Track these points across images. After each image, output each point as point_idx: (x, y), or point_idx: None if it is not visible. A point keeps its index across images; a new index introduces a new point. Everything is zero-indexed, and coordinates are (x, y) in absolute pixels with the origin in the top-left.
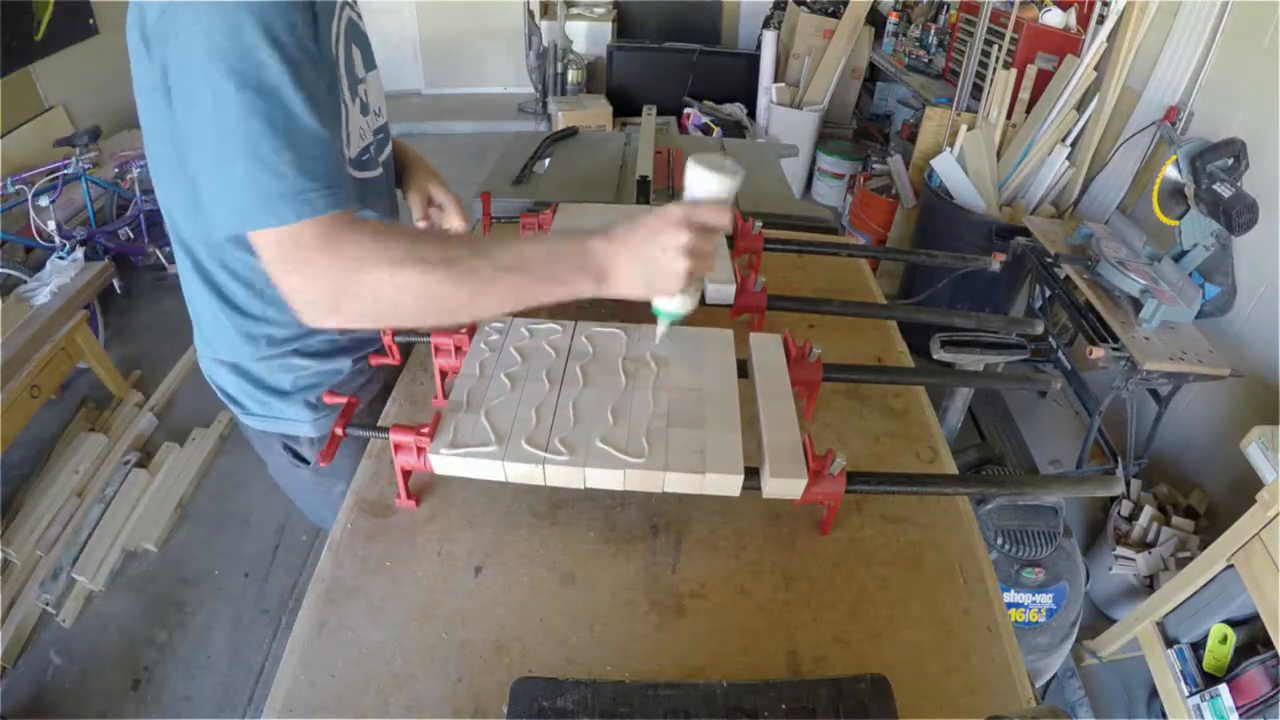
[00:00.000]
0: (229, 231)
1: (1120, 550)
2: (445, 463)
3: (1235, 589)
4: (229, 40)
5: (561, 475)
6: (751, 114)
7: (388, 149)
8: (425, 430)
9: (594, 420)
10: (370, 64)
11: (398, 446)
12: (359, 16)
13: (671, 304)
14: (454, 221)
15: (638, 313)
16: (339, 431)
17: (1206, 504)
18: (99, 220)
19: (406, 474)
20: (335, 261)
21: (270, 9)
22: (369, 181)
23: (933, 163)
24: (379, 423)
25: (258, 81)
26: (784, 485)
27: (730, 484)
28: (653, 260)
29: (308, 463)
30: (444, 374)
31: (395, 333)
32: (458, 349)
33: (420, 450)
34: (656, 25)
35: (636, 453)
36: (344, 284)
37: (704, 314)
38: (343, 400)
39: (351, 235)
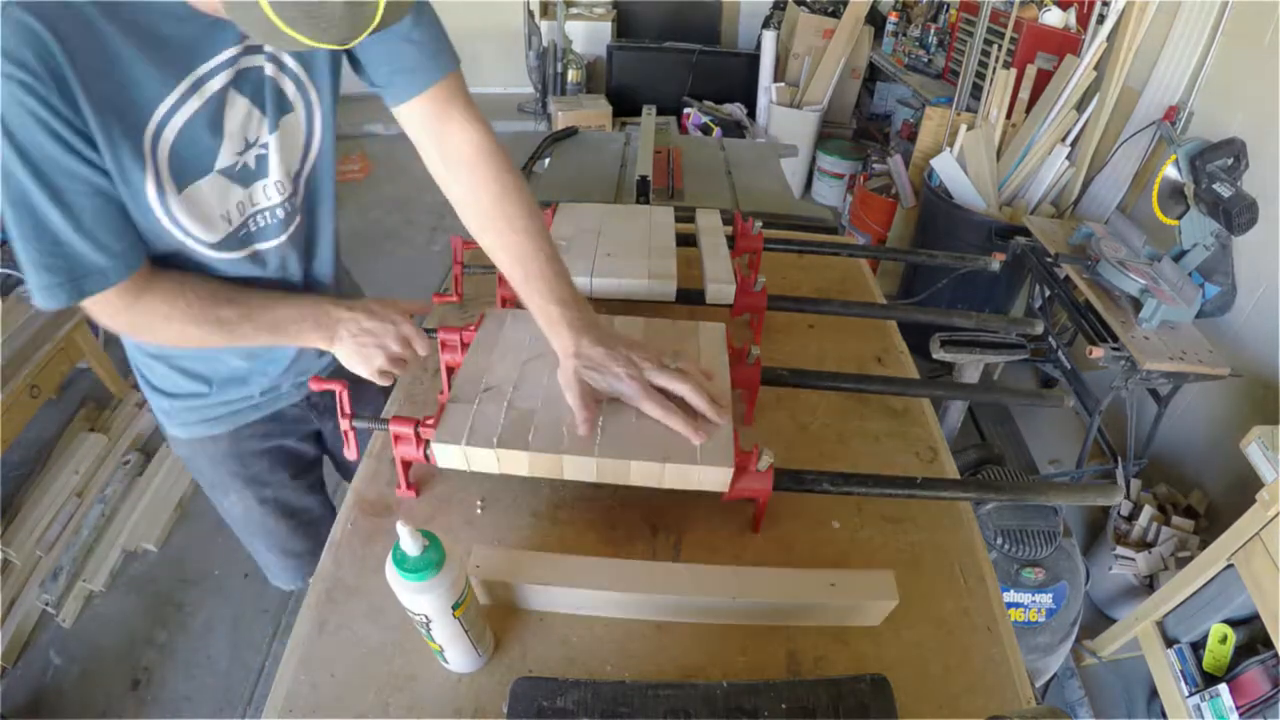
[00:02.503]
0: None
1: (1120, 550)
2: (447, 453)
3: (1235, 589)
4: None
5: (561, 467)
6: (751, 114)
7: (290, 228)
8: (429, 421)
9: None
10: (276, 118)
11: (397, 438)
12: (280, 66)
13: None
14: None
15: (637, 306)
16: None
17: (1206, 504)
18: None
19: (406, 465)
20: (124, 325)
21: (19, 113)
22: (243, 263)
23: (932, 163)
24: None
25: (13, 188)
26: (711, 474)
27: (720, 477)
28: (361, 346)
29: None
30: (450, 370)
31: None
32: (464, 345)
33: (420, 441)
34: (656, 25)
35: (634, 445)
36: (136, 335)
37: (704, 314)
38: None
39: (136, 305)
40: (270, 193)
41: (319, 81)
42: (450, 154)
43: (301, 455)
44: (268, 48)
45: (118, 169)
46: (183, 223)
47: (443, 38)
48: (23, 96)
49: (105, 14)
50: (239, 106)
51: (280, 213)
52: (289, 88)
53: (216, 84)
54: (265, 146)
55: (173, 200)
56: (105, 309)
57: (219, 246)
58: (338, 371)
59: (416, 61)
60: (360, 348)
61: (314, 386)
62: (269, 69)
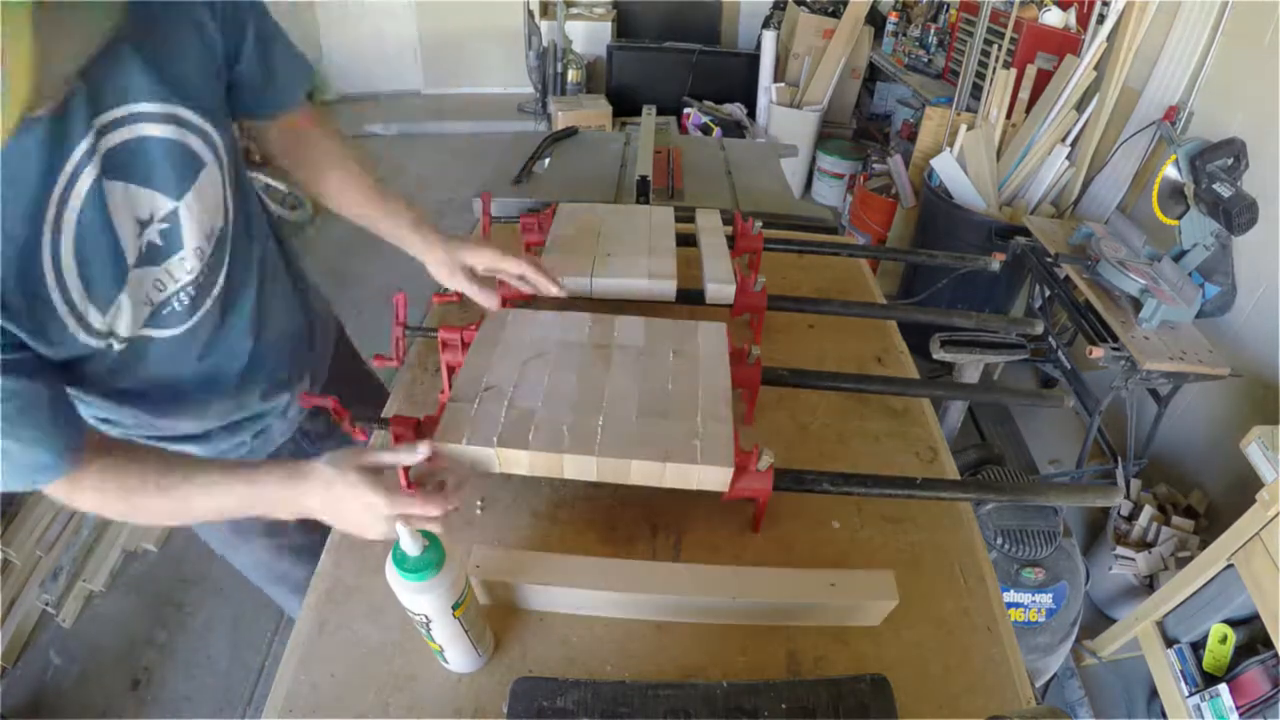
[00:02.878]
0: None
1: (1120, 550)
2: (449, 453)
3: (1235, 589)
4: None
5: (562, 466)
6: (751, 114)
7: (216, 285)
8: (430, 421)
9: (593, 411)
10: (184, 183)
11: (397, 437)
12: (181, 124)
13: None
14: (547, 285)
15: (637, 306)
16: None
17: (1206, 504)
18: None
19: (406, 466)
20: (78, 505)
21: None
22: (175, 340)
23: (932, 162)
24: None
25: None
26: (711, 474)
27: (721, 477)
28: (354, 517)
29: None
30: (450, 369)
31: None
32: (465, 344)
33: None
34: (656, 25)
35: (634, 445)
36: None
37: (704, 314)
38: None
39: (82, 489)
40: (190, 265)
41: (220, 123)
42: (310, 155)
43: None
44: (149, 107)
45: (34, 330)
46: (105, 332)
47: (293, 55)
48: None
49: None
50: (116, 192)
51: (190, 293)
52: (195, 143)
53: (79, 189)
54: (171, 219)
55: (96, 320)
56: (64, 494)
57: (143, 326)
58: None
59: (293, 73)
60: (346, 515)
61: (304, 403)
62: (167, 132)
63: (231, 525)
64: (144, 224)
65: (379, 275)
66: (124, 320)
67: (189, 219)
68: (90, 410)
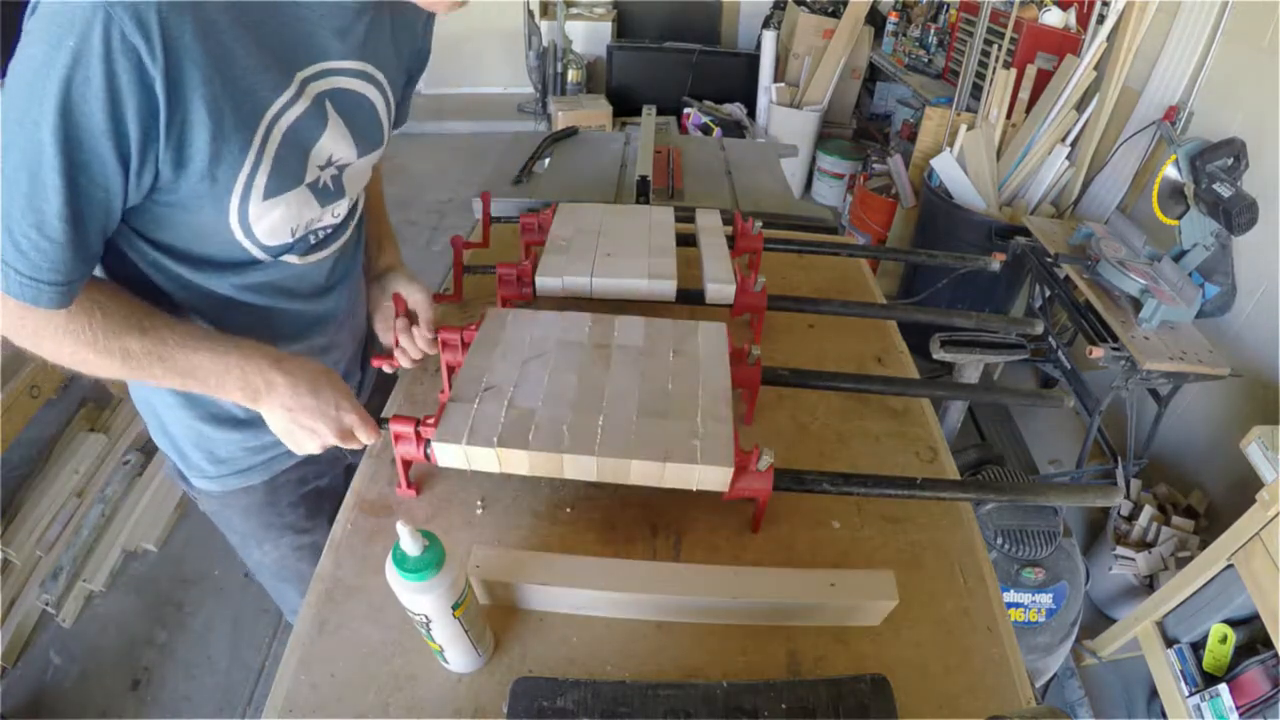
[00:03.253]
0: None
1: (1120, 550)
2: (448, 453)
3: (1235, 589)
4: (27, 95)
5: (562, 466)
6: (751, 114)
7: (344, 236)
8: (429, 420)
9: (593, 411)
10: (369, 145)
11: (397, 437)
12: (376, 85)
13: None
14: (423, 332)
15: (637, 306)
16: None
17: (1206, 504)
18: None
19: (407, 465)
20: (10, 327)
21: (98, 86)
22: (294, 267)
23: (932, 162)
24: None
25: (29, 149)
26: (711, 474)
27: (721, 476)
28: (294, 426)
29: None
30: (451, 369)
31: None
32: (465, 344)
33: (420, 440)
34: (656, 25)
35: (635, 445)
36: (21, 341)
37: (704, 314)
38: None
39: (53, 332)
40: (334, 214)
41: (393, 120)
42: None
43: (337, 494)
44: (380, 76)
45: (211, 165)
46: (255, 231)
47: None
48: (119, 66)
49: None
50: (334, 122)
51: (331, 231)
52: (384, 121)
53: (319, 88)
54: (342, 169)
55: (254, 207)
56: (31, 331)
57: (267, 249)
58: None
59: (405, 112)
60: (290, 426)
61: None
62: (378, 102)
63: (260, 519)
64: (329, 164)
65: None
66: (273, 226)
67: (354, 177)
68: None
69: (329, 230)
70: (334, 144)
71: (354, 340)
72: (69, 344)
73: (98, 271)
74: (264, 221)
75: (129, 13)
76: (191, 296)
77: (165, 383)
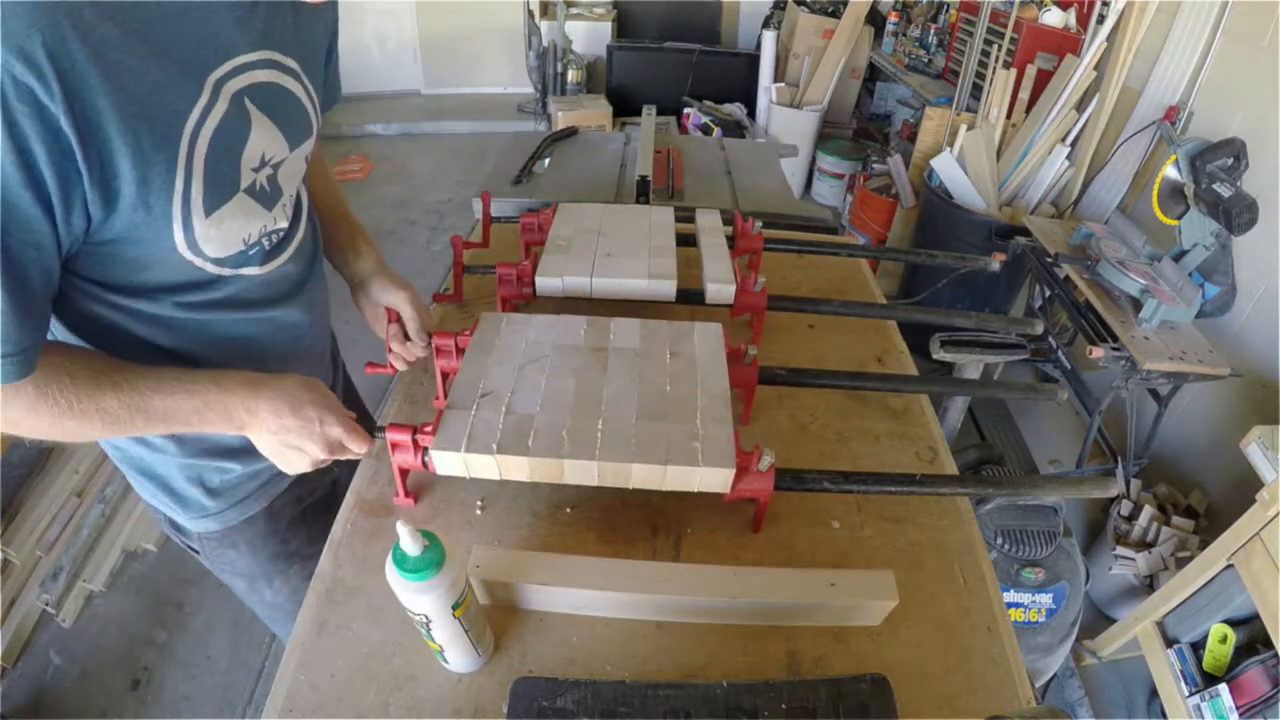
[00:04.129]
0: None
1: (1120, 550)
2: (447, 461)
3: (1235, 589)
4: None
5: (562, 471)
6: (751, 114)
7: (298, 235)
8: (427, 429)
9: (591, 415)
10: (299, 136)
11: (394, 445)
12: (293, 75)
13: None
14: (416, 341)
15: (637, 306)
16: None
17: (1206, 504)
18: None
19: (404, 473)
20: (12, 427)
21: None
22: (258, 277)
23: (932, 163)
24: (378, 424)
25: None
26: (713, 475)
27: (722, 478)
28: (283, 448)
29: (198, 551)
30: (445, 375)
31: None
32: (459, 350)
33: (418, 449)
34: (656, 25)
35: (635, 448)
36: (25, 433)
37: (704, 314)
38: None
39: (26, 408)
40: (284, 214)
41: (319, 105)
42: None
43: (328, 505)
44: (293, 64)
45: (141, 193)
46: (205, 250)
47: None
48: (18, 114)
49: (123, 4)
50: (259, 120)
51: (284, 233)
52: (309, 109)
53: (234, 87)
54: (276, 167)
55: (199, 226)
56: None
57: (222, 263)
58: None
59: (335, 87)
60: (279, 448)
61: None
62: (299, 93)
63: (268, 551)
64: (263, 164)
65: None
66: (218, 238)
67: (288, 173)
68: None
69: (282, 233)
70: (264, 143)
71: (322, 340)
72: (45, 416)
73: (56, 331)
74: (211, 238)
75: (14, 54)
76: (159, 329)
77: (150, 432)
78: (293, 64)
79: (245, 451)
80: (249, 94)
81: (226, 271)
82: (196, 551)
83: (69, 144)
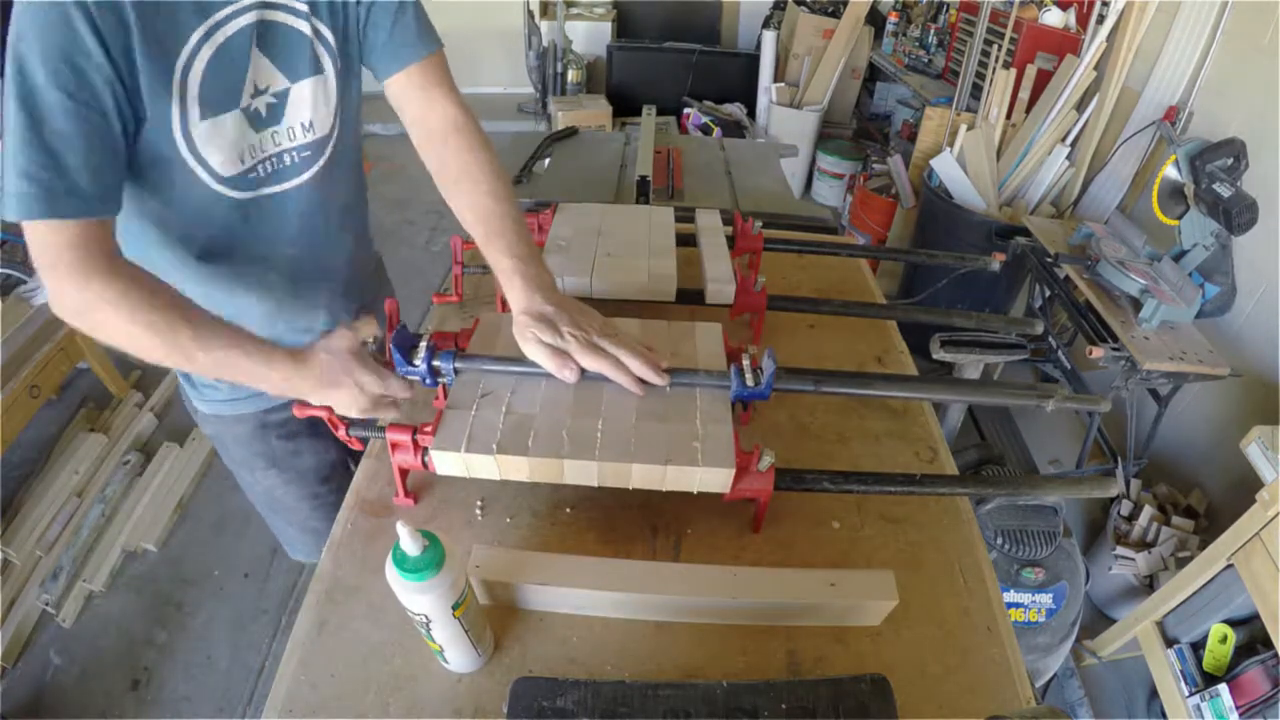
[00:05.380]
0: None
1: (1120, 550)
2: (447, 461)
3: (1235, 589)
4: (32, 31)
5: (562, 471)
6: (751, 114)
7: (303, 174)
8: (427, 429)
9: (591, 415)
10: (297, 72)
11: (394, 445)
12: (295, 15)
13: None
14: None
15: (637, 306)
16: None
17: (1206, 504)
18: None
19: (404, 473)
20: (78, 289)
21: (62, 15)
22: (256, 203)
23: (932, 163)
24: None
25: (29, 79)
26: (713, 476)
27: (722, 478)
28: (343, 394)
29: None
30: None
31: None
32: (460, 350)
33: (418, 449)
34: (656, 25)
35: (635, 448)
36: (81, 310)
37: (704, 314)
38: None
39: (101, 274)
40: (281, 139)
41: (350, 51)
42: (433, 123)
43: (323, 451)
44: (297, 5)
45: (149, 91)
46: (201, 151)
47: (428, 20)
48: (86, 30)
49: None
50: (255, 56)
51: (298, 156)
52: (323, 52)
53: (235, 26)
54: (281, 96)
55: (195, 127)
56: (62, 259)
57: (233, 183)
58: None
59: (414, 35)
60: (341, 408)
61: (298, 413)
62: (298, 24)
63: (250, 449)
64: (258, 91)
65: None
66: (220, 149)
67: (294, 103)
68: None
69: (281, 160)
70: (258, 74)
71: (338, 296)
72: (124, 313)
73: None
74: (208, 143)
75: None
76: (187, 277)
77: (201, 369)
78: (300, 6)
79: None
80: (254, 30)
81: (227, 191)
82: (196, 415)
83: (117, 41)
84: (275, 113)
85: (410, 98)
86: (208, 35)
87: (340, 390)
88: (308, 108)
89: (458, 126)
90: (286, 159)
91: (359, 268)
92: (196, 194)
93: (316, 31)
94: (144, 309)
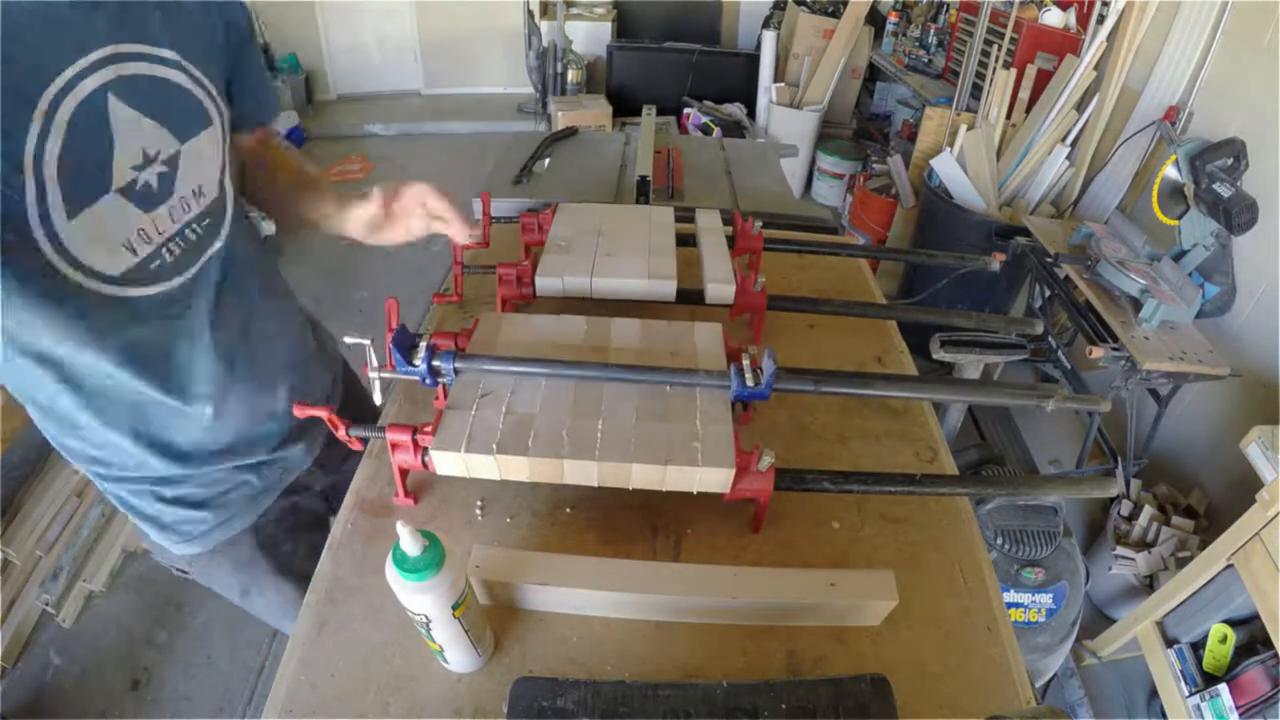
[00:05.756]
0: None
1: (1120, 550)
2: (447, 461)
3: (1235, 589)
4: None
5: (562, 471)
6: (751, 114)
7: (212, 245)
8: (427, 429)
9: (591, 415)
10: (190, 128)
11: (394, 445)
12: (164, 64)
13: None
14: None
15: (637, 306)
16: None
17: (1206, 504)
18: None
19: (404, 473)
20: None
21: None
22: (160, 299)
23: (932, 163)
24: (378, 423)
25: None
26: (713, 476)
27: (722, 478)
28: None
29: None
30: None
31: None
32: (460, 350)
33: (418, 449)
34: (656, 25)
35: (635, 448)
36: None
37: (704, 314)
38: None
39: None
40: (176, 216)
41: (222, 106)
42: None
43: (316, 514)
44: (165, 54)
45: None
46: (74, 254)
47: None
48: None
49: None
50: (125, 116)
51: (200, 229)
52: (204, 99)
53: (86, 90)
54: (171, 163)
55: (62, 227)
56: None
57: (124, 282)
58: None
59: (272, 95)
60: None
61: (299, 413)
62: (183, 81)
63: (261, 568)
64: (148, 161)
65: (381, 276)
66: (99, 249)
67: (186, 168)
68: (78, 429)
69: (180, 243)
70: (141, 139)
71: (295, 352)
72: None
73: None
74: (81, 242)
75: None
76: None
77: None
78: (169, 54)
79: (208, 504)
80: (113, 89)
81: (116, 290)
82: (185, 573)
83: None
84: (166, 184)
85: (261, 151)
86: (53, 106)
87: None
88: (205, 167)
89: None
90: (198, 232)
91: (302, 330)
92: (89, 307)
93: (194, 79)
94: None
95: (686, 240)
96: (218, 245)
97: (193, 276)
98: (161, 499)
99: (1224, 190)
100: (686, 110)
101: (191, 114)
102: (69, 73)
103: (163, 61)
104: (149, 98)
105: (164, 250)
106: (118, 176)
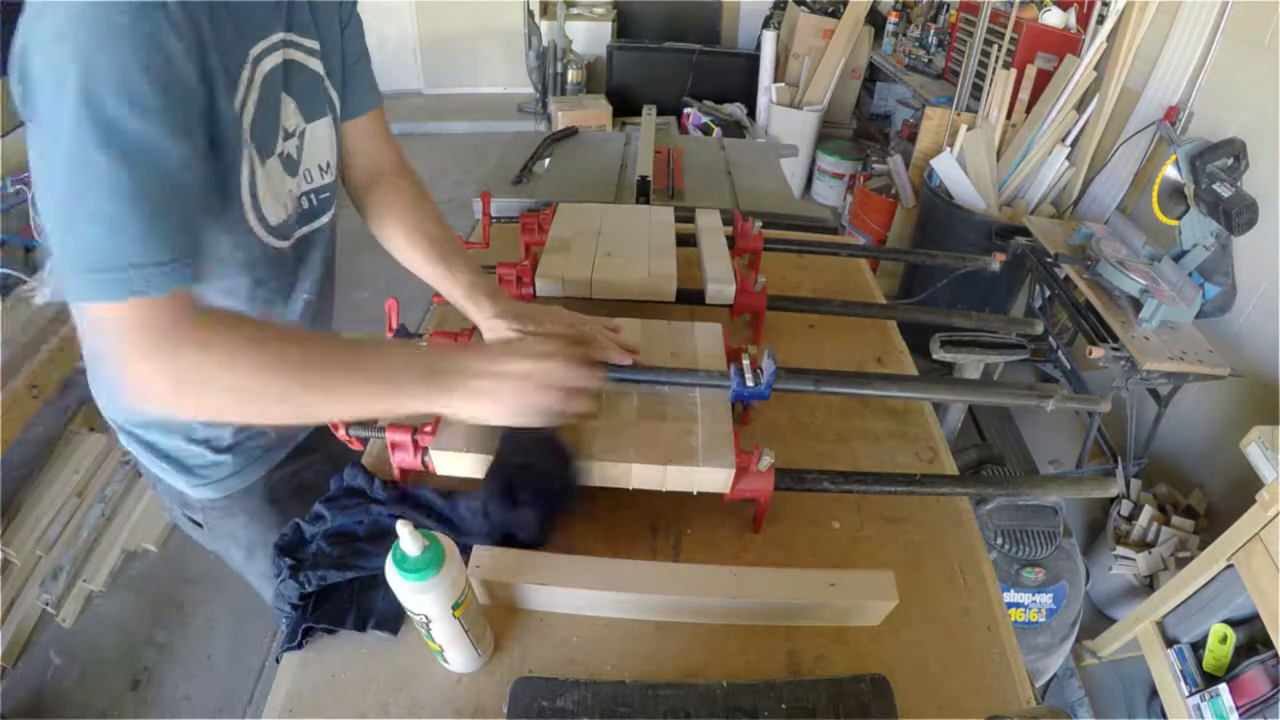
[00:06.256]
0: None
1: (1120, 550)
2: (446, 460)
3: (1235, 589)
4: (91, 82)
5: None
6: (751, 114)
7: (324, 216)
8: (427, 429)
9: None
10: (315, 112)
11: (394, 445)
12: (310, 54)
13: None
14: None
15: (636, 306)
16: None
17: (1206, 504)
18: None
19: (404, 473)
20: (160, 366)
21: (132, 49)
22: (279, 252)
23: (932, 163)
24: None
25: (115, 131)
26: (713, 476)
27: (722, 478)
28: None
29: (200, 525)
30: None
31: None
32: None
33: (418, 449)
34: (656, 25)
35: (635, 448)
36: (170, 389)
37: (704, 314)
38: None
39: (180, 330)
40: (302, 183)
41: (337, 86)
42: (385, 164)
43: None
44: (309, 43)
45: (220, 138)
46: (263, 205)
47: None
48: (168, 29)
49: None
50: (284, 94)
51: (317, 199)
52: (330, 89)
53: (270, 63)
54: (301, 137)
55: (260, 175)
56: (142, 335)
57: (277, 233)
58: None
59: (374, 83)
60: (517, 408)
61: None
62: (311, 64)
63: (269, 521)
64: (287, 135)
65: (383, 275)
66: (268, 200)
67: (311, 144)
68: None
69: (310, 201)
70: (288, 114)
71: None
72: (236, 388)
73: None
74: (267, 192)
75: None
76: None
77: (348, 402)
78: (314, 45)
79: (234, 447)
80: (282, 69)
81: (278, 242)
82: (200, 525)
83: (203, 69)
84: (299, 156)
85: (369, 138)
86: (254, 67)
87: (509, 409)
88: (322, 149)
89: (406, 169)
90: (314, 201)
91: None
92: (247, 247)
93: (328, 69)
94: (263, 350)
95: (686, 240)
96: (325, 219)
97: (307, 237)
98: (192, 439)
99: (1224, 190)
100: (686, 110)
101: (319, 100)
102: (261, 45)
103: (310, 51)
104: (297, 80)
105: (296, 212)
106: (279, 144)
